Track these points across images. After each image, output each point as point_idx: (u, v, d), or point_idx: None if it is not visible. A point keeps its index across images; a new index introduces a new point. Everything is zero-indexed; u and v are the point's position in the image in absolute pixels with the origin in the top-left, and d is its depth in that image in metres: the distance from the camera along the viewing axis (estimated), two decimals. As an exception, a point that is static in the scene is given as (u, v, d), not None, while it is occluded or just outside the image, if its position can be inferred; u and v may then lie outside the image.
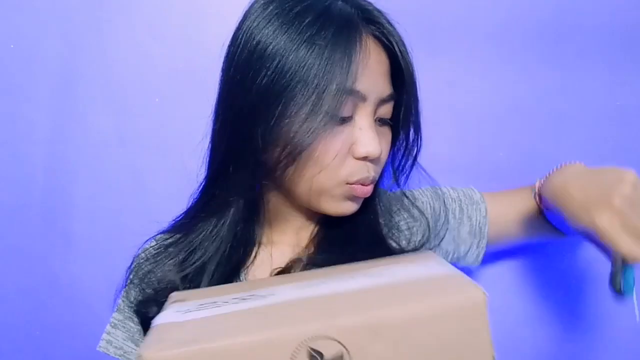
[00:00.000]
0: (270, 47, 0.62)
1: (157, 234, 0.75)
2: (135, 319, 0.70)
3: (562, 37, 0.99)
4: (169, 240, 0.73)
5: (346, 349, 0.44)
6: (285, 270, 0.68)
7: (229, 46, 0.68)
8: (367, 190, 0.66)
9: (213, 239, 0.69)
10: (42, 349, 1.03)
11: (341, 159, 0.63)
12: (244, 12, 0.67)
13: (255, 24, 0.64)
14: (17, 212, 1.02)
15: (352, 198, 0.67)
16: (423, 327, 0.45)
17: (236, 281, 0.69)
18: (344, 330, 0.44)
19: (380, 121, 0.67)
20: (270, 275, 0.69)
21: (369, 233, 0.71)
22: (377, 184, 0.73)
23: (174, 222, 0.74)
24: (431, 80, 0.98)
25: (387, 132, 0.69)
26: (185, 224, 0.73)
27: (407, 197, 0.78)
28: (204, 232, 0.70)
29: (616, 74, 0.99)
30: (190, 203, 0.73)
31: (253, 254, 0.72)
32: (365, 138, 0.63)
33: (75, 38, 1.01)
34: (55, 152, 1.02)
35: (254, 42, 0.64)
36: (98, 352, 1.00)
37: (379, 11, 0.67)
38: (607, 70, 0.99)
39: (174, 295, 0.60)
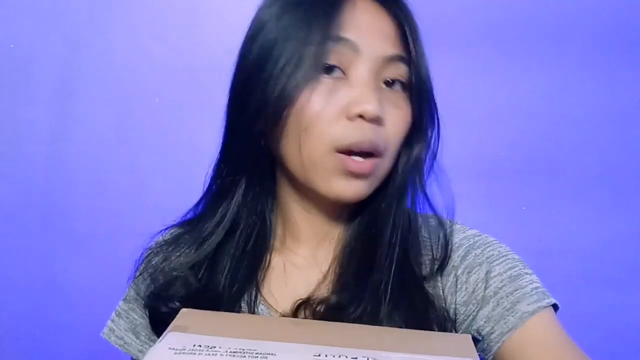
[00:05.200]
0: (262, 15, 0.63)
1: (169, 227, 0.74)
2: (140, 311, 0.69)
3: (562, 37, 0.99)
4: (180, 231, 0.72)
5: None
6: (297, 309, 0.62)
7: None
8: (365, 166, 0.58)
9: (223, 221, 0.66)
10: (42, 349, 1.03)
11: (330, 117, 0.58)
12: None
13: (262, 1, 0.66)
14: (17, 212, 1.02)
15: (347, 174, 0.59)
16: None
17: (251, 289, 0.66)
18: None
19: (390, 84, 0.60)
20: (280, 314, 0.63)
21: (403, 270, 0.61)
22: (405, 190, 0.63)
23: (185, 214, 0.73)
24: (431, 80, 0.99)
25: (399, 100, 0.61)
26: (196, 214, 0.72)
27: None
28: (213, 218, 0.67)
29: (616, 74, 0.99)
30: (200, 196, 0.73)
31: (267, 258, 0.69)
32: (358, 94, 0.57)
33: (75, 38, 1.01)
34: (55, 152, 1.02)
35: (255, 17, 0.65)
36: (97, 352, 1.01)
37: None
38: (607, 70, 0.99)
39: (182, 314, 0.54)
